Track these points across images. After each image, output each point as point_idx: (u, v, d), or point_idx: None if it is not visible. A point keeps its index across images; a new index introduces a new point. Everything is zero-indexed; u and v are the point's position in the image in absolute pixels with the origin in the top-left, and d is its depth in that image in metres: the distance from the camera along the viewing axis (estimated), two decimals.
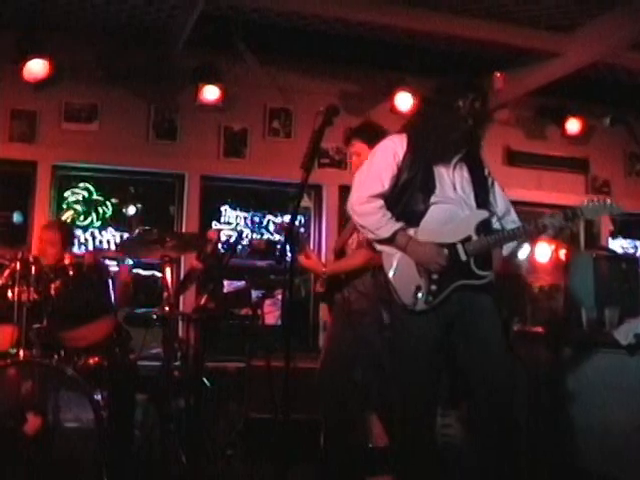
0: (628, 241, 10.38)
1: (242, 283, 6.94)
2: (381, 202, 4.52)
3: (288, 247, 4.10)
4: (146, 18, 7.55)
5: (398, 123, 8.51)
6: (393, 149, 4.62)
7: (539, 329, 6.47)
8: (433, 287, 4.41)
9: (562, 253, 6.94)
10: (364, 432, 6.10)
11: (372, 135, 5.35)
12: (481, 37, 7.64)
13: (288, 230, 4.28)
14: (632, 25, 7.06)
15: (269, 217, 8.69)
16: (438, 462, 4.58)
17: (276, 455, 4.80)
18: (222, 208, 8.58)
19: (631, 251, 10.23)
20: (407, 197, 4.55)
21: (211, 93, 8.03)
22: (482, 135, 4.66)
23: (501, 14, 7.35)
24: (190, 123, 8.29)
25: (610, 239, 9.97)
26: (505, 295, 4.85)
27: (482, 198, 4.59)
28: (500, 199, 4.72)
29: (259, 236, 8.61)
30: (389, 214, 4.50)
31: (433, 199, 4.50)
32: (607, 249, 8.57)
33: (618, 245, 10.15)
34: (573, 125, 9.39)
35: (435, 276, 4.42)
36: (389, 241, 4.48)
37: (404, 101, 8.53)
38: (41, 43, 7.53)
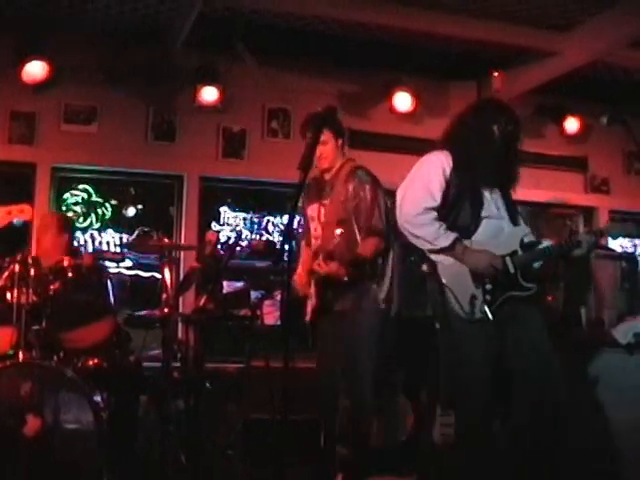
0: (627, 240, 10.39)
1: (241, 284, 6.94)
2: (435, 214, 4.61)
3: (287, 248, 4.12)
4: (145, 20, 7.55)
5: (397, 123, 8.68)
6: (442, 165, 4.71)
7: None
8: (487, 297, 4.53)
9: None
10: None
11: (340, 127, 5.59)
12: (479, 36, 7.66)
13: (286, 231, 4.29)
14: (630, 23, 7.07)
15: (268, 218, 8.68)
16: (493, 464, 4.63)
17: (275, 456, 4.80)
18: (221, 209, 8.58)
19: (630, 250, 10.23)
20: (456, 211, 4.67)
21: (210, 94, 8.04)
22: (513, 158, 4.78)
23: (499, 13, 7.36)
24: (189, 124, 8.29)
25: (609, 238, 9.97)
26: None
27: (514, 217, 4.77)
28: (522, 219, 4.87)
29: (258, 237, 8.62)
30: (444, 225, 4.60)
31: (484, 214, 4.65)
32: (606, 248, 8.57)
33: (617, 244, 10.15)
34: (572, 124, 9.40)
35: (489, 286, 4.54)
36: (448, 250, 4.57)
37: (402, 101, 8.56)
38: (40, 45, 7.56)
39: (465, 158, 4.71)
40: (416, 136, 8.53)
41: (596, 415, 5.71)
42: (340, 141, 5.55)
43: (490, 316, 4.48)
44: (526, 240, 4.65)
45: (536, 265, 4.68)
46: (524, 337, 4.55)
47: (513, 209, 4.78)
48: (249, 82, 8.33)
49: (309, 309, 5.54)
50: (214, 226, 8.41)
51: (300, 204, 5.53)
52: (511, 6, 7.22)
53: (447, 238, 4.54)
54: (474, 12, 7.35)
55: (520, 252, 4.59)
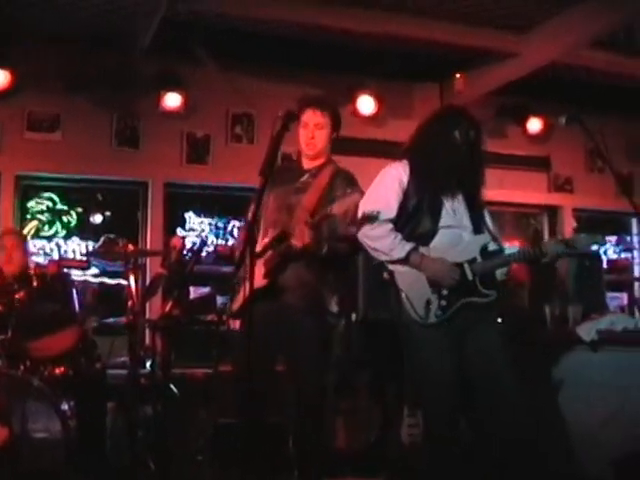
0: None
1: (207, 289, 6.95)
2: (391, 226, 4.64)
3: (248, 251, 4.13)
4: (107, 26, 7.54)
5: (360, 126, 8.71)
6: (398, 177, 4.75)
7: (504, 327, 6.53)
8: (443, 302, 4.55)
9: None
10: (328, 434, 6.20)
11: (339, 120, 5.30)
12: (440, 39, 7.70)
13: (247, 235, 4.28)
14: (589, 24, 7.14)
15: (233, 223, 8.68)
16: (459, 466, 4.65)
17: (245, 460, 4.81)
18: (186, 215, 8.58)
19: (594, 247, 10.31)
20: (416, 221, 4.69)
21: (173, 100, 8.06)
22: (478, 163, 4.78)
23: (460, 15, 7.40)
24: (153, 130, 8.29)
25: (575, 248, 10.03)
26: None
27: (477, 225, 4.74)
28: (491, 225, 4.86)
29: (224, 242, 8.62)
30: (400, 235, 4.62)
31: (441, 223, 4.66)
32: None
33: None
34: (534, 124, 9.48)
35: (445, 292, 4.56)
36: (403, 261, 4.61)
37: (366, 104, 8.61)
38: (2, 54, 7.54)
39: (424, 167, 4.74)
40: (380, 139, 8.58)
41: (561, 413, 5.76)
42: (334, 134, 5.28)
43: (441, 320, 4.53)
44: (489, 248, 4.66)
45: (499, 272, 4.70)
46: (483, 345, 4.59)
47: (477, 217, 4.77)
48: (213, 87, 8.35)
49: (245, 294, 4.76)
50: (179, 232, 8.41)
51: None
52: (472, 8, 7.27)
53: (402, 249, 4.58)
54: (435, 15, 7.38)
55: (480, 259, 4.59)
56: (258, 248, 5.01)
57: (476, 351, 4.58)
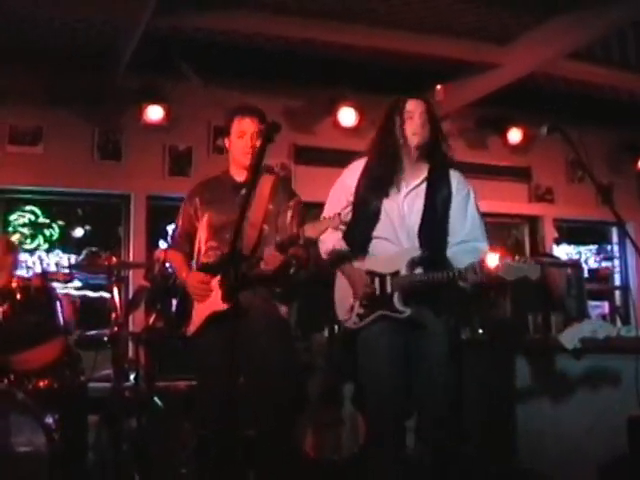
0: (572, 247, 10.55)
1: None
2: (330, 230, 4.57)
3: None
4: (88, 40, 7.53)
5: (342, 138, 8.74)
6: (343, 180, 4.83)
7: (487, 336, 6.56)
8: (361, 310, 4.60)
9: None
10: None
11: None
12: (420, 51, 7.74)
13: (231, 249, 4.25)
14: (567, 35, 7.19)
15: None
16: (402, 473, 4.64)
17: (229, 472, 4.80)
18: (169, 227, 8.57)
19: (575, 257, 10.38)
20: (354, 225, 4.67)
21: (155, 113, 8.06)
22: (441, 155, 4.74)
23: (439, 27, 7.43)
24: (135, 144, 8.30)
25: (555, 246, 10.11)
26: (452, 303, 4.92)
27: (427, 230, 4.63)
28: (462, 225, 4.69)
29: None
30: (339, 242, 4.71)
31: (375, 233, 4.66)
32: (551, 256, 8.69)
33: (562, 251, 10.30)
34: (514, 134, 9.51)
35: (365, 301, 4.59)
36: (333, 267, 4.75)
37: (347, 116, 8.63)
38: None
39: (369, 164, 4.76)
40: (361, 150, 8.58)
41: (546, 420, 5.79)
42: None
43: (358, 327, 4.60)
44: (426, 260, 4.55)
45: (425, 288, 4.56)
46: (425, 353, 4.57)
47: (433, 216, 4.64)
48: (194, 100, 8.36)
49: (202, 316, 4.86)
50: (162, 244, 8.40)
51: (188, 209, 5.16)
52: (452, 20, 7.30)
53: (329, 254, 4.73)
54: (416, 27, 7.41)
55: (404, 273, 4.53)
56: (196, 266, 5.01)
57: (419, 362, 4.57)
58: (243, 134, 4.94)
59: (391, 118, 4.70)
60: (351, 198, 4.70)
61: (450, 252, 4.64)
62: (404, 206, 4.64)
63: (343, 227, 4.60)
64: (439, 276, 4.48)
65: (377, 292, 4.58)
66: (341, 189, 4.81)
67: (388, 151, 4.67)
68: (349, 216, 4.64)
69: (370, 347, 4.60)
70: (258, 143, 4.81)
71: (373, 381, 4.63)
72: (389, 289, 4.54)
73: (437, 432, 4.53)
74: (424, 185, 4.68)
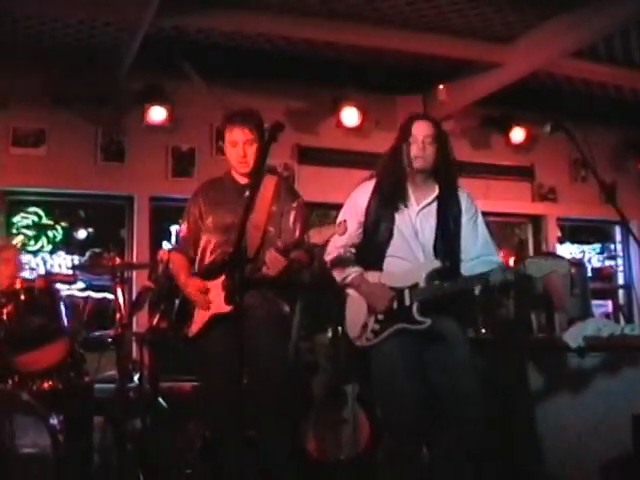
0: (576, 246, 10.54)
1: None
2: (341, 250, 4.76)
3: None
4: (91, 41, 7.55)
5: (345, 138, 8.75)
6: (356, 199, 4.81)
7: (491, 336, 6.56)
8: (376, 327, 4.59)
9: (511, 261, 7.03)
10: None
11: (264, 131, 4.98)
12: (423, 50, 7.75)
13: (235, 251, 4.23)
14: (570, 34, 7.17)
15: None
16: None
17: (235, 473, 4.80)
18: (172, 228, 8.58)
19: (579, 256, 10.37)
20: (366, 245, 4.74)
21: (158, 114, 8.05)
22: (449, 178, 4.74)
23: (442, 27, 7.43)
24: (138, 145, 8.30)
25: (558, 245, 10.10)
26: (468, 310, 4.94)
27: (443, 245, 4.65)
28: (474, 243, 4.73)
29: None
30: (349, 259, 4.75)
31: (389, 252, 4.66)
32: (555, 255, 8.68)
33: (566, 250, 10.29)
34: (517, 134, 9.50)
35: (381, 317, 4.58)
36: (347, 285, 4.74)
37: (350, 116, 8.63)
38: None
39: (377, 184, 4.77)
40: (364, 150, 8.59)
41: (550, 419, 5.78)
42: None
43: (372, 344, 4.60)
44: (443, 272, 4.56)
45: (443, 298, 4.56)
46: (447, 363, 4.57)
47: (447, 233, 4.69)
48: (197, 101, 8.35)
49: (205, 317, 4.87)
50: (166, 245, 8.40)
51: (193, 211, 5.12)
52: (454, 20, 7.30)
53: (340, 275, 4.75)
54: (418, 27, 7.41)
55: (423, 285, 4.52)
56: (199, 267, 5.00)
57: (440, 371, 4.57)
58: (235, 144, 4.93)
59: (400, 138, 4.70)
60: (362, 219, 4.72)
61: (464, 268, 4.66)
62: (417, 223, 4.67)
63: (351, 248, 4.73)
64: (462, 283, 4.54)
65: (395, 306, 4.57)
66: (352, 209, 4.81)
67: (395, 172, 4.69)
68: (360, 237, 4.74)
69: (385, 361, 4.60)
70: (250, 151, 4.87)
71: (391, 396, 4.62)
72: (407, 302, 4.54)
73: (470, 443, 4.53)
74: (435, 203, 4.70)
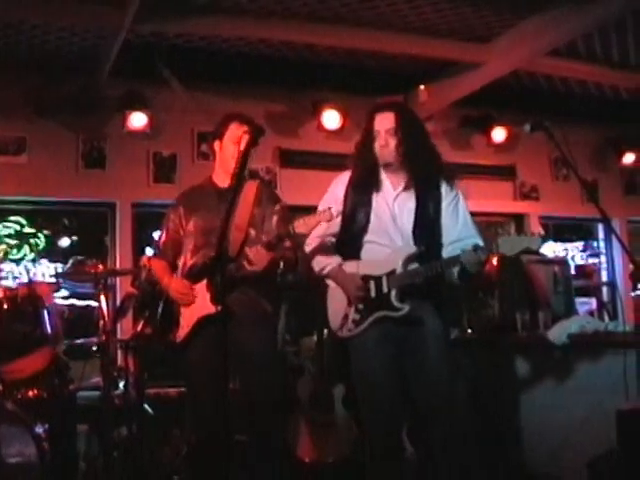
0: (558, 244, 10.57)
1: None
2: (318, 240, 4.78)
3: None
4: (71, 49, 7.51)
5: (326, 141, 8.74)
6: (334, 190, 4.88)
7: (475, 336, 6.58)
8: (356, 316, 4.61)
9: (494, 259, 7.04)
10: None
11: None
12: (402, 51, 7.75)
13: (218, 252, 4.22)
14: (548, 33, 7.18)
15: None
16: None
17: (221, 477, 4.79)
18: (155, 234, 8.54)
19: (562, 254, 10.40)
20: (345, 234, 4.76)
21: (138, 120, 8.02)
22: (423, 163, 4.71)
23: (422, 27, 7.42)
24: (119, 151, 8.26)
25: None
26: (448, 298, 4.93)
27: (421, 230, 4.65)
28: (454, 226, 4.73)
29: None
30: (328, 250, 4.77)
31: (367, 237, 4.68)
32: (538, 253, 8.69)
33: (549, 249, 10.31)
34: (498, 133, 9.50)
35: (360, 306, 4.60)
36: (325, 276, 4.77)
37: (330, 119, 8.61)
38: None
39: (352, 172, 4.83)
40: (345, 153, 8.58)
41: (536, 417, 5.80)
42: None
43: (353, 334, 4.61)
44: (413, 257, 4.58)
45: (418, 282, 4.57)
46: (423, 358, 4.57)
47: (426, 217, 4.68)
48: (177, 106, 8.33)
49: (191, 321, 4.90)
50: (149, 251, 8.37)
51: (172, 218, 5.21)
52: (432, 20, 7.29)
53: (319, 264, 4.78)
54: (397, 28, 7.40)
55: (400, 271, 4.54)
56: (181, 272, 5.03)
57: (417, 365, 4.58)
58: (239, 140, 4.97)
59: (365, 132, 4.76)
60: (340, 207, 4.70)
61: (445, 252, 4.65)
62: (395, 208, 4.67)
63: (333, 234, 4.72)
64: (436, 265, 4.52)
65: (373, 295, 4.59)
66: (331, 199, 4.83)
67: (367, 161, 4.73)
68: (339, 226, 4.74)
69: (363, 354, 4.62)
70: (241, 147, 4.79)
71: (368, 389, 4.65)
72: (385, 289, 4.55)
73: (437, 431, 4.55)
74: (413, 187, 4.69)
